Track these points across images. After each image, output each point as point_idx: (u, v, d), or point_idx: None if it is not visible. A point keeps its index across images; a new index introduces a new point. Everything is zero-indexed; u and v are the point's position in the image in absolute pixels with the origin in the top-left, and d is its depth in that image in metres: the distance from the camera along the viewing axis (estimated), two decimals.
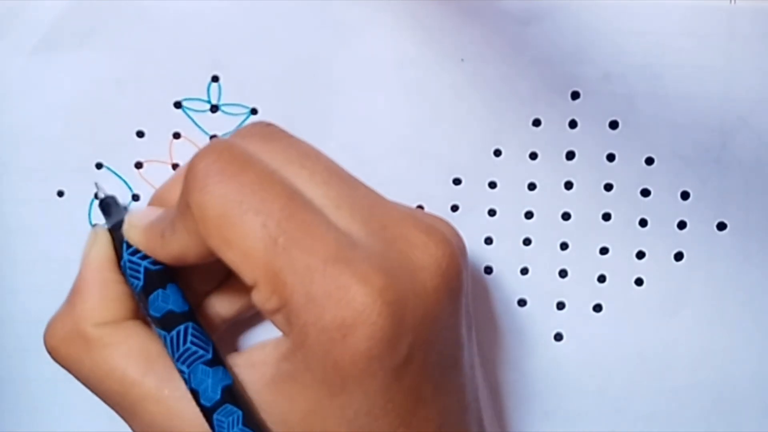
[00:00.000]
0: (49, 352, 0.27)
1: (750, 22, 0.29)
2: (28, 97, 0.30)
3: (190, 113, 0.30)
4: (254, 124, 0.26)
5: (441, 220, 0.26)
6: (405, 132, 0.30)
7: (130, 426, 0.26)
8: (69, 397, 0.32)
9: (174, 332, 0.25)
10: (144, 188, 0.31)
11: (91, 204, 0.31)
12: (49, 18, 0.30)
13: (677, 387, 0.32)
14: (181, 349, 0.25)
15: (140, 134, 0.30)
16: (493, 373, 0.32)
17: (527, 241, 0.31)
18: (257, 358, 0.24)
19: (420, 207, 0.31)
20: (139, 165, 0.31)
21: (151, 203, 0.28)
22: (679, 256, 0.31)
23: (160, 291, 0.26)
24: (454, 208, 0.31)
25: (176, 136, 0.30)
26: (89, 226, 0.30)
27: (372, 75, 0.30)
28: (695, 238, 0.31)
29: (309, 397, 0.23)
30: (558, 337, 0.32)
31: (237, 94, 0.30)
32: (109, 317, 0.26)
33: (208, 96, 0.30)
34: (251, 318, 0.30)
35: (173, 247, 0.25)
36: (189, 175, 0.24)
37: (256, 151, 0.24)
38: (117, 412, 0.26)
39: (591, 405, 0.32)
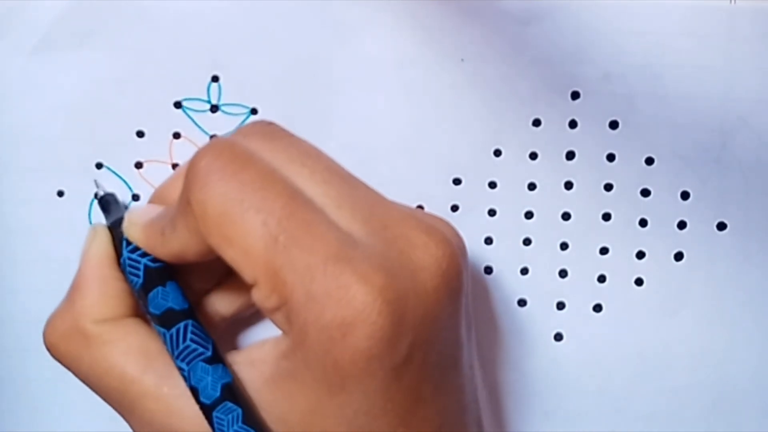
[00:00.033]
0: (48, 349, 0.27)
1: (750, 22, 0.29)
2: (28, 97, 0.30)
3: (190, 113, 0.30)
4: (255, 123, 0.26)
5: (441, 220, 0.26)
6: (405, 132, 0.30)
7: (129, 424, 0.26)
8: (69, 397, 0.32)
9: (173, 330, 0.25)
10: (144, 188, 0.31)
11: (91, 204, 0.31)
12: (49, 18, 0.30)
13: (677, 387, 0.32)
14: (181, 346, 0.25)
15: (140, 134, 0.30)
16: (493, 373, 0.32)
17: (527, 241, 0.31)
18: (257, 356, 0.24)
19: (420, 207, 0.31)
20: (139, 165, 0.31)
21: (151, 201, 0.28)
22: (679, 256, 0.31)
23: (159, 288, 0.26)
24: (454, 208, 0.31)
25: (176, 136, 0.30)
26: (89, 226, 0.30)
27: (372, 75, 0.30)
28: (695, 238, 0.31)
29: (308, 396, 0.23)
30: (558, 337, 0.32)
31: (237, 94, 0.30)
32: (109, 314, 0.26)
33: (208, 96, 0.30)
34: (251, 316, 0.30)
35: (173, 245, 0.25)
36: (190, 173, 0.24)
37: (257, 150, 0.24)
38: (116, 409, 0.26)
39: (591, 405, 0.32)
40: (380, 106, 0.30)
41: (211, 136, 0.30)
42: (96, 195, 0.30)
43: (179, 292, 0.26)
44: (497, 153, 0.31)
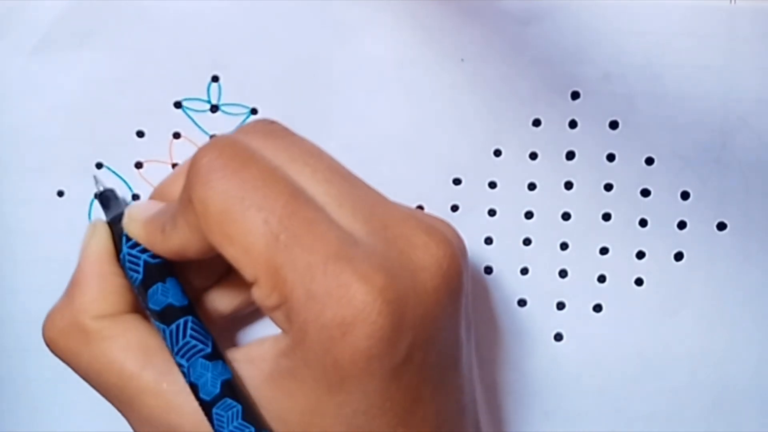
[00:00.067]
0: (48, 345, 0.27)
1: (750, 22, 0.29)
2: (28, 97, 0.30)
3: (190, 113, 0.30)
4: (257, 121, 0.26)
5: (442, 221, 0.26)
6: (405, 132, 0.30)
7: (128, 420, 0.26)
8: (69, 397, 0.32)
9: (173, 326, 0.25)
10: (144, 188, 0.31)
11: (91, 204, 0.31)
12: (49, 18, 0.30)
13: (677, 387, 0.32)
14: (181, 342, 0.25)
15: (140, 134, 0.30)
16: (493, 373, 0.32)
17: (527, 241, 0.31)
18: (256, 353, 0.24)
19: (420, 207, 0.31)
20: (139, 165, 0.31)
21: (152, 197, 0.28)
22: (679, 256, 0.31)
23: (159, 284, 0.26)
24: (454, 208, 0.31)
25: (176, 136, 0.30)
26: (89, 222, 0.30)
27: (372, 75, 0.30)
28: (695, 238, 0.31)
29: (307, 395, 0.23)
30: (558, 337, 0.32)
31: (237, 94, 0.30)
32: (108, 310, 0.26)
33: (208, 96, 0.30)
34: (250, 314, 0.30)
35: (174, 242, 0.25)
36: (192, 170, 0.24)
37: (259, 148, 0.24)
38: (115, 405, 0.26)
39: (591, 405, 0.32)
40: (380, 106, 0.30)
41: (211, 136, 0.30)
42: (96, 195, 0.30)
43: (179, 288, 0.26)
44: (497, 153, 0.31)
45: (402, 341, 0.23)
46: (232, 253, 0.23)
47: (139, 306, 0.27)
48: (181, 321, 0.25)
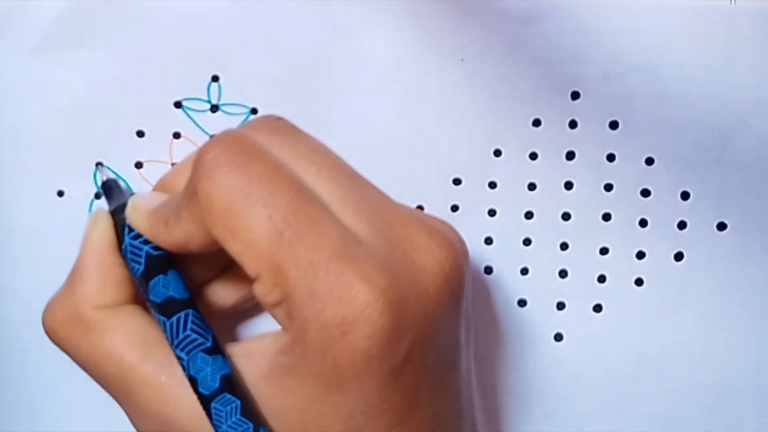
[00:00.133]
0: (47, 334, 0.27)
1: (750, 22, 0.29)
2: (28, 97, 0.30)
3: (190, 113, 0.30)
4: (264, 117, 0.26)
5: (445, 223, 0.26)
6: (405, 132, 0.30)
7: (126, 411, 0.26)
8: (69, 397, 0.32)
9: (174, 319, 0.25)
10: (144, 188, 0.31)
11: (91, 204, 0.31)
12: (49, 18, 0.30)
13: (677, 387, 0.32)
14: (181, 335, 0.25)
15: (140, 134, 0.30)
16: (493, 373, 0.32)
17: (527, 241, 0.31)
18: (256, 349, 0.24)
19: (420, 207, 0.31)
20: (139, 165, 0.31)
21: (155, 188, 0.28)
22: (679, 256, 0.31)
23: (161, 276, 0.25)
24: (454, 208, 0.31)
25: (176, 136, 0.30)
26: (91, 212, 0.30)
27: (372, 75, 0.30)
28: (695, 238, 0.31)
29: (306, 393, 0.23)
30: (558, 337, 0.32)
31: (237, 94, 0.30)
32: (109, 300, 0.26)
33: (208, 96, 0.30)
34: (250, 309, 0.30)
35: (177, 235, 0.25)
36: (198, 164, 0.24)
37: (265, 144, 0.24)
38: (113, 396, 0.26)
39: (591, 405, 0.32)
40: (380, 106, 0.30)
41: (211, 136, 0.30)
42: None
43: (180, 281, 0.26)
44: (497, 153, 0.31)
45: (402, 342, 0.23)
46: (236, 249, 0.23)
47: (140, 297, 0.27)
48: (182, 314, 0.25)
